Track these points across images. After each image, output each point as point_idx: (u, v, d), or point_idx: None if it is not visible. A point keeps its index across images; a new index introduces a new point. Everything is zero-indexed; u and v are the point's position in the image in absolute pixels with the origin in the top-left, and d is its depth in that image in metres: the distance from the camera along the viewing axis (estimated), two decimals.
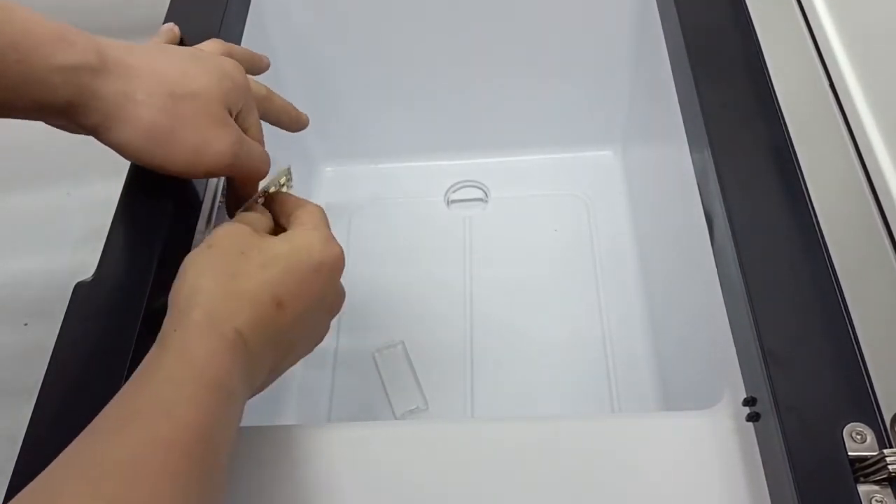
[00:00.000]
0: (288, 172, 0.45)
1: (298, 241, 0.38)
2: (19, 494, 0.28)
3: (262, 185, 0.44)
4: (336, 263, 0.40)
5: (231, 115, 0.39)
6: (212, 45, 0.46)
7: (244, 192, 0.43)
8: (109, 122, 0.36)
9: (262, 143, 0.43)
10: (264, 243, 0.37)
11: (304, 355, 0.40)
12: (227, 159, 0.38)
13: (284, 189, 0.46)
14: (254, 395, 0.37)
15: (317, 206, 0.42)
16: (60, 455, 0.29)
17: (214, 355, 0.32)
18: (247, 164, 0.40)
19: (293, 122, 0.49)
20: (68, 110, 0.36)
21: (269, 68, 0.49)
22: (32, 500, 0.28)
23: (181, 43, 0.50)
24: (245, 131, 0.41)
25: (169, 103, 0.37)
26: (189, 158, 0.38)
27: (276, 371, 0.38)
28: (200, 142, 0.37)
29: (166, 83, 0.37)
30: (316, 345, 0.41)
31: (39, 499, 0.28)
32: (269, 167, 0.42)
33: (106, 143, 0.37)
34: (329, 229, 0.41)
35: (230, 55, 0.44)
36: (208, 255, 0.36)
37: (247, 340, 0.34)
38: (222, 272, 0.35)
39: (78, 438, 0.30)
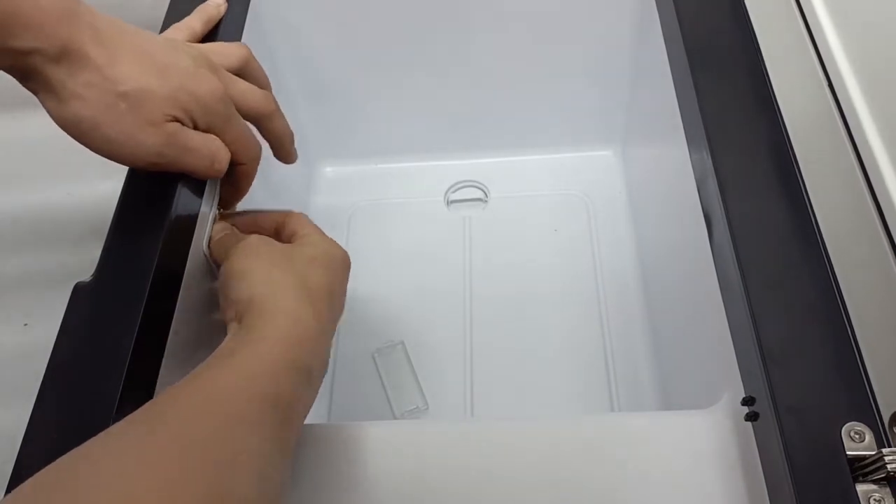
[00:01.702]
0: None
1: (323, 244, 0.43)
2: (112, 427, 0.30)
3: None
4: (348, 259, 0.45)
5: (182, 121, 0.41)
6: (172, 32, 0.49)
7: (228, 194, 0.47)
8: (43, 97, 0.38)
9: (246, 146, 0.45)
10: (296, 248, 0.42)
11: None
12: (149, 157, 0.40)
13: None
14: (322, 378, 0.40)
15: (300, 213, 0.46)
16: (146, 406, 0.31)
17: (297, 340, 0.36)
18: (181, 160, 0.42)
19: (283, 151, 0.50)
20: (10, 72, 0.38)
21: (259, 59, 0.49)
22: (127, 429, 0.30)
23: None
24: (225, 141, 0.43)
25: (106, 100, 0.38)
26: (107, 149, 0.40)
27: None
28: (123, 138, 0.39)
29: (110, 80, 0.38)
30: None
31: (133, 430, 0.30)
32: (220, 168, 0.43)
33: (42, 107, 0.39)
34: None
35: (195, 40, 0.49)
36: (261, 259, 0.39)
37: (322, 323, 0.38)
38: (285, 269, 0.39)
39: (167, 395, 0.32)
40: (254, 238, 0.42)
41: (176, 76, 0.40)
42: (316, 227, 0.45)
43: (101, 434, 0.29)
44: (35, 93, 0.38)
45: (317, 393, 0.38)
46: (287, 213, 0.45)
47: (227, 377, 0.33)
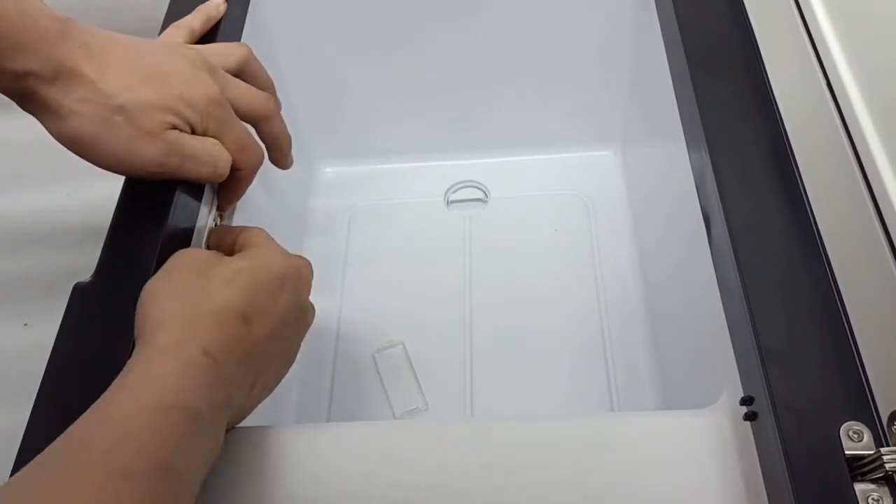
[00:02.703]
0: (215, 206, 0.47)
1: (257, 257, 0.39)
2: None
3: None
4: (299, 275, 0.41)
5: (180, 128, 0.41)
6: (171, 31, 0.49)
7: (223, 197, 0.47)
8: (42, 118, 0.38)
9: (245, 150, 0.44)
10: (223, 263, 0.38)
11: (278, 378, 0.41)
12: (151, 167, 0.40)
13: (221, 221, 0.47)
14: (236, 416, 0.37)
15: (259, 227, 0.43)
16: (5, 485, 0.28)
17: (179, 378, 0.32)
18: (183, 168, 0.41)
19: (279, 154, 0.50)
20: (7, 94, 0.38)
21: (259, 59, 0.49)
22: None
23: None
24: (223, 143, 0.43)
25: (101, 114, 0.38)
26: (109, 164, 0.40)
27: (254, 394, 0.38)
28: (122, 151, 0.39)
29: (105, 94, 0.38)
30: (289, 366, 0.41)
31: None
32: (222, 172, 0.43)
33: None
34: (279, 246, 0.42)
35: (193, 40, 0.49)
36: (169, 281, 0.37)
37: (217, 360, 0.33)
38: (186, 295, 0.35)
39: (28, 465, 0.29)
40: (185, 253, 0.39)
41: (171, 83, 0.40)
42: (269, 240, 0.42)
43: None
44: (34, 114, 0.38)
45: (218, 435, 0.34)
46: (243, 228, 0.43)
47: (91, 449, 0.29)
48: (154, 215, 0.42)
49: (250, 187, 0.48)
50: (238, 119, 0.44)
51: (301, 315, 0.41)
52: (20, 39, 0.36)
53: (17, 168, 0.74)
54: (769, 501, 0.34)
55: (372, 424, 0.41)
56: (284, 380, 0.42)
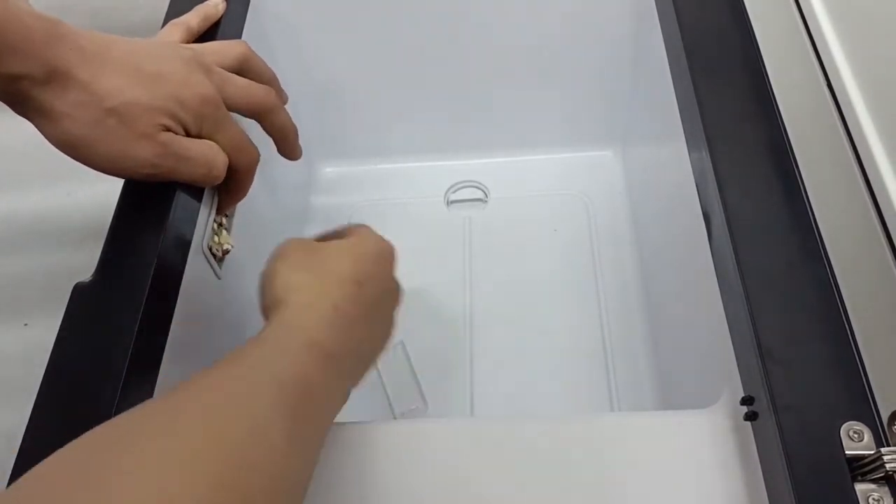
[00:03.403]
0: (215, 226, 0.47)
1: (358, 237, 0.43)
2: (136, 409, 0.30)
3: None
4: (393, 254, 0.46)
5: (174, 130, 0.41)
6: (168, 29, 0.50)
7: (224, 199, 0.48)
8: (36, 121, 0.39)
9: (241, 150, 0.45)
10: (330, 243, 0.42)
11: (384, 342, 0.44)
12: (145, 169, 0.41)
13: (224, 220, 0.48)
14: (356, 373, 0.40)
15: (366, 225, 0.46)
16: (174, 391, 0.31)
17: (317, 324, 0.36)
18: (178, 170, 0.42)
19: (287, 146, 0.50)
20: (0, 98, 0.38)
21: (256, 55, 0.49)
22: (153, 414, 0.30)
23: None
24: (218, 144, 0.43)
25: (94, 117, 0.38)
26: (104, 166, 0.40)
27: (369, 352, 0.42)
28: (116, 153, 0.40)
29: (98, 97, 0.38)
30: (391, 331, 0.46)
31: (160, 413, 0.30)
32: (217, 175, 0.43)
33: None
34: None
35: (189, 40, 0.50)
36: (286, 260, 0.40)
37: (344, 313, 0.38)
38: (308, 267, 0.40)
39: (193, 378, 0.32)
40: (287, 242, 0.42)
41: (164, 84, 0.40)
42: (369, 228, 0.46)
43: (120, 419, 0.30)
44: (28, 118, 0.38)
45: (352, 382, 0.39)
46: (353, 226, 0.46)
47: (244, 364, 0.33)
48: (154, 215, 0.42)
49: (251, 189, 0.48)
50: (233, 120, 0.44)
51: (396, 286, 0.46)
52: (8, 42, 0.36)
53: (16, 168, 0.74)
54: (769, 501, 0.34)
55: (372, 424, 0.41)
56: None
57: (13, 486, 0.26)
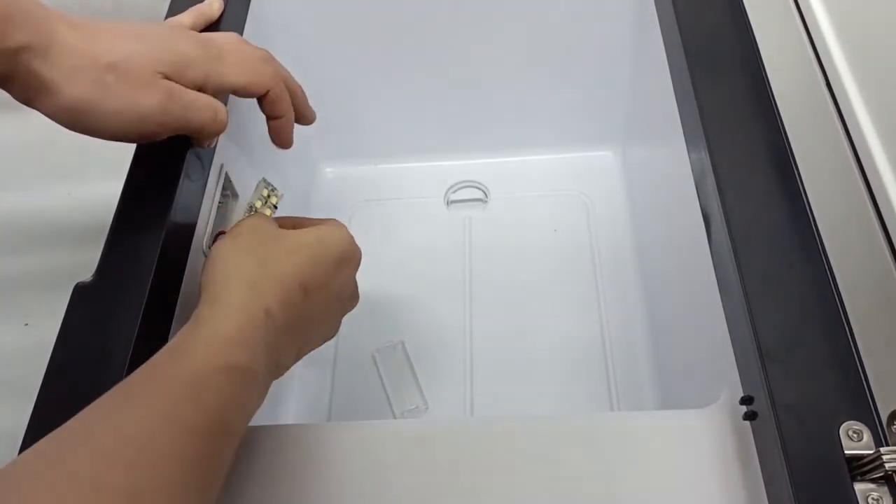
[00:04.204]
0: (265, 184, 0.46)
1: (326, 233, 0.41)
2: (25, 453, 0.29)
3: (247, 202, 0.45)
4: (357, 261, 0.44)
5: (173, 79, 0.40)
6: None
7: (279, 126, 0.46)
8: (39, 96, 0.38)
9: (254, 67, 0.44)
10: (290, 233, 0.40)
11: (315, 347, 0.43)
12: (155, 117, 0.40)
13: (271, 199, 0.47)
14: (277, 377, 0.39)
15: (338, 221, 0.44)
16: (73, 419, 0.30)
17: (243, 336, 0.34)
18: (185, 117, 0.41)
19: (297, 105, 0.49)
20: (1, 81, 0.38)
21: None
22: (35, 461, 0.29)
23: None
24: (227, 73, 0.42)
25: (94, 76, 0.38)
26: (112, 127, 0.39)
27: (298, 356, 0.40)
28: (122, 107, 0.39)
29: (95, 57, 0.38)
30: (326, 340, 0.44)
31: (41, 461, 0.29)
32: (223, 119, 0.43)
33: (38, 110, 0.39)
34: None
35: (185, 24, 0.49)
36: (238, 243, 0.39)
37: (275, 320, 0.36)
38: (253, 258, 0.38)
39: (94, 404, 0.31)
40: (250, 219, 0.41)
41: (154, 39, 0.40)
42: (340, 224, 0.44)
43: (24, 454, 0.29)
44: (28, 100, 0.38)
45: (264, 393, 0.36)
46: (326, 220, 0.45)
47: (159, 398, 0.31)
48: (155, 215, 0.42)
49: (250, 189, 0.48)
50: (232, 51, 0.44)
51: (351, 295, 0.44)
52: (11, 16, 0.36)
53: (17, 168, 0.74)
54: (769, 501, 0.34)
55: (372, 424, 0.41)
56: (285, 378, 0.42)
57: None
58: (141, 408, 0.31)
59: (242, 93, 0.44)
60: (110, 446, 0.29)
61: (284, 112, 0.46)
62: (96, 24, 0.40)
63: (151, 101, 0.39)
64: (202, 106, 0.41)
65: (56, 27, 0.38)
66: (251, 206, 0.46)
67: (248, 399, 0.35)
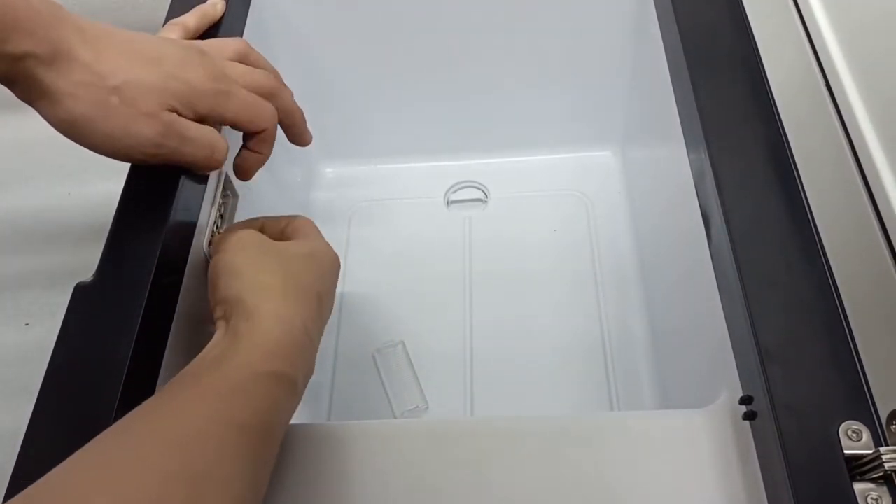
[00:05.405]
0: (223, 179, 0.46)
1: (317, 245, 0.42)
2: (72, 457, 0.29)
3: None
4: (339, 265, 0.44)
5: (179, 111, 0.40)
6: (166, 29, 0.50)
7: (249, 161, 0.46)
8: (40, 103, 0.38)
9: (256, 108, 0.44)
10: (289, 245, 0.41)
11: None
12: (147, 149, 0.40)
13: (222, 223, 0.47)
14: (306, 386, 0.39)
15: (305, 217, 0.45)
16: (115, 424, 0.31)
17: (284, 345, 0.35)
18: (180, 151, 0.41)
19: (295, 131, 0.49)
20: (2, 81, 0.38)
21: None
22: (82, 465, 0.29)
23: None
24: (232, 114, 0.43)
25: (96, 96, 0.38)
26: (105, 146, 0.40)
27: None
28: (118, 132, 0.39)
29: (102, 76, 0.38)
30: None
31: (99, 451, 0.29)
32: (220, 158, 0.43)
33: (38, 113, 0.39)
34: None
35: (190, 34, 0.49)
36: (250, 256, 0.39)
37: (310, 335, 0.38)
38: (272, 270, 0.39)
39: (134, 411, 0.31)
40: (244, 233, 0.41)
41: (165, 66, 0.40)
42: (317, 229, 0.45)
43: (79, 452, 0.29)
44: (29, 101, 0.38)
45: (300, 401, 0.37)
46: (293, 217, 0.45)
47: (206, 399, 0.32)
48: (155, 215, 0.42)
49: (250, 189, 0.48)
50: (241, 87, 0.44)
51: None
52: (16, 21, 0.36)
53: (17, 168, 0.74)
54: (768, 501, 0.34)
55: (372, 424, 0.41)
56: None
57: None
58: (188, 406, 0.32)
59: (238, 128, 0.45)
60: (169, 436, 0.30)
61: (266, 152, 0.47)
62: (110, 37, 0.40)
63: (148, 132, 0.39)
64: (200, 144, 0.42)
65: (66, 36, 0.38)
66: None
67: (288, 406, 0.35)
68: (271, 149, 0.47)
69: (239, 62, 0.46)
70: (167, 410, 0.32)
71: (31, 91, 0.38)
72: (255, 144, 0.46)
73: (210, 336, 0.44)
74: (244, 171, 0.47)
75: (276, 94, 0.46)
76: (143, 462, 0.29)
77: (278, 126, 0.48)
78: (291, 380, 0.35)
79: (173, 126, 0.40)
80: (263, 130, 0.45)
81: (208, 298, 0.40)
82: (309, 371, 0.38)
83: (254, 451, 0.32)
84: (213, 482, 0.30)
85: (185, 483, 0.29)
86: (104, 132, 0.39)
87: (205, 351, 0.35)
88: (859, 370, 0.34)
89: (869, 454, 0.32)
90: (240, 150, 0.47)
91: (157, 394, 0.33)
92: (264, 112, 0.45)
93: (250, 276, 0.38)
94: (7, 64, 0.36)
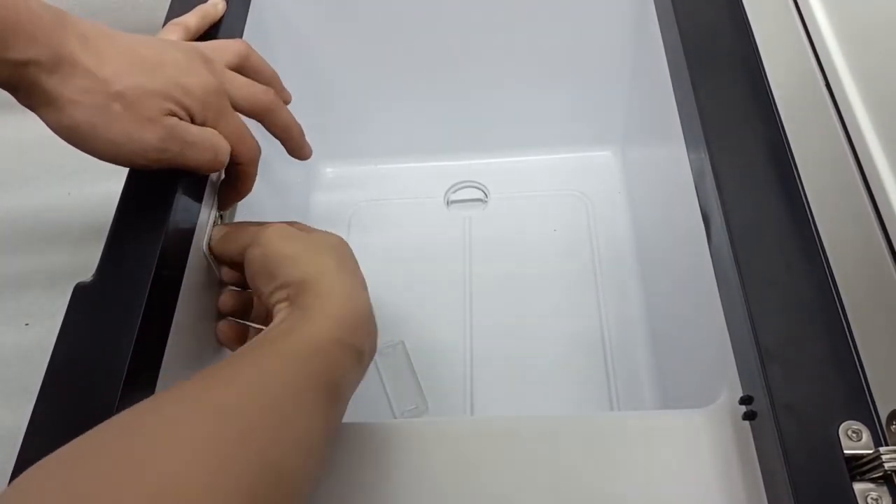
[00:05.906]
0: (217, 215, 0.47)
1: (328, 234, 0.44)
2: (134, 407, 0.30)
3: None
4: None
5: (179, 116, 0.41)
6: (167, 29, 0.50)
7: (226, 195, 0.47)
8: (42, 109, 0.38)
9: (243, 140, 0.44)
10: (318, 234, 0.43)
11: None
12: (151, 154, 0.40)
13: (222, 221, 0.47)
14: (368, 366, 0.41)
15: (300, 222, 0.47)
16: (189, 381, 0.31)
17: (355, 321, 0.37)
18: (183, 154, 0.41)
19: (293, 145, 0.50)
20: (5, 87, 0.38)
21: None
22: (177, 396, 0.31)
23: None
24: (221, 133, 0.43)
25: (99, 102, 0.38)
26: (108, 152, 0.40)
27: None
28: (120, 138, 0.39)
29: (103, 82, 0.38)
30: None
31: (182, 396, 0.31)
32: (223, 160, 0.43)
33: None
34: None
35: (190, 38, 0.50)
36: (300, 242, 0.41)
37: (371, 311, 0.39)
38: (330, 254, 0.40)
39: (204, 372, 0.32)
40: (279, 225, 0.42)
41: (167, 72, 0.40)
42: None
43: (150, 401, 0.31)
44: (31, 107, 0.38)
45: (364, 374, 0.39)
46: (291, 222, 0.45)
47: (284, 356, 0.34)
48: (155, 216, 0.42)
49: (252, 188, 0.48)
50: (234, 113, 0.44)
51: None
52: (19, 27, 0.36)
53: (17, 168, 0.74)
54: (768, 501, 0.34)
55: (372, 424, 0.41)
56: None
57: (25, 475, 0.27)
58: (266, 364, 0.33)
59: None
60: (251, 387, 0.31)
61: (241, 188, 0.47)
62: (112, 41, 0.40)
63: (149, 137, 0.40)
64: (202, 148, 0.42)
65: (68, 41, 0.38)
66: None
67: (354, 377, 0.37)
68: (249, 186, 0.47)
69: (239, 64, 0.46)
70: (243, 369, 0.33)
71: (33, 97, 0.38)
72: (233, 179, 0.46)
73: (211, 336, 0.45)
74: (221, 206, 0.48)
75: (273, 109, 0.47)
76: (226, 402, 0.30)
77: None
78: (359, 350, 0.37)
79: (175, 130, 0.40)
80: (239, 164, 0.45)
81: (257, 289, 0.41)
82: (373, 347, 0.39)
83: (325, 412, 0.33)
84: (293, 430, 0.31)
85: (264, 430, 0.30)
86: (107, 138, 0.39)
87: (270, 327, 0.37)
88: (859, 370, 0.34)
89: (869, 454, 0.32)
90: (219, 185, 0.47)
91: (213, 365, 0.33)
92: (250, 146, 0.45)
93: (308, 259, 0.39)
94: (9, 70, 0.36)
